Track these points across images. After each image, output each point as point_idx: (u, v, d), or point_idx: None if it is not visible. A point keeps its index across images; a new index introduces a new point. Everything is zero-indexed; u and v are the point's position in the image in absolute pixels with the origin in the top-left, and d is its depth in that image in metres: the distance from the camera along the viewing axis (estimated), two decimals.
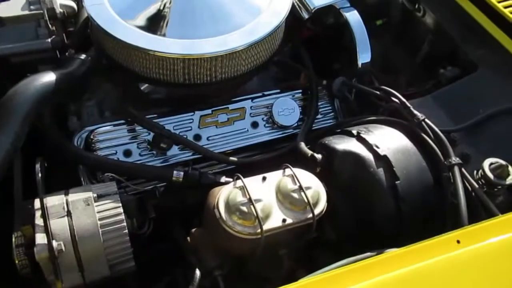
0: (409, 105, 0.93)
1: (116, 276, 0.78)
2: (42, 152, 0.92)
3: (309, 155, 0.89)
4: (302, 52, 1.14)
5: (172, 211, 0.91)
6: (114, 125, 0.98)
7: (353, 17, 1.09)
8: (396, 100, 0.97)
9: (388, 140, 0.88)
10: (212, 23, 1.00)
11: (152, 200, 0.87)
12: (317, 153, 0.90)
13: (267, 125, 1.08)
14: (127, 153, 0.96)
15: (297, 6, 1.11)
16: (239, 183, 0.78)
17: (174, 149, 1.00)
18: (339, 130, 0.95)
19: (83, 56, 1.00)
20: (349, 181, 0.84)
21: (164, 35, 0.96)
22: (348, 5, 1.10)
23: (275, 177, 0.81)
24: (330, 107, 1.15)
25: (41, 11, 1.01)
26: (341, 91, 1.09)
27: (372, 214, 0.82)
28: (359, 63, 1.08)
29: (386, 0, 1.17)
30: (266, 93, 1.10)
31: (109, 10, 0.98)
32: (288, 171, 0.82)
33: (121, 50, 0.97)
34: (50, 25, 1.02)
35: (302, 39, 1.17)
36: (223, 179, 0.91)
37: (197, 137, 1.02)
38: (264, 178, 0.80)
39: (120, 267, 0.78)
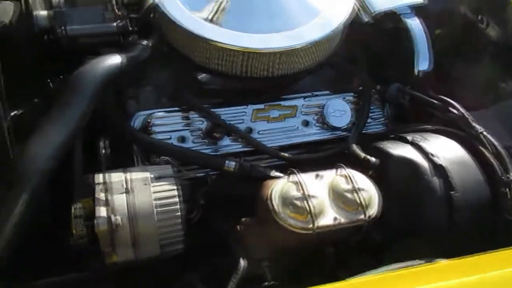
0: (468, 116, 0.91)
1: (164, 257, 0.80)
2: (100, 130, 0.96)
3: (362, 157, 0.89)
4: (358, 55, 1.14)
5: (220, 200, 0.92)
6: (170, 111, 1.01)
7: (415, 24, 1.08)
8: (454, 111, 0.95)
9: (445, 150, 0.87)
10: (272, 19, 1.01)
11: (203, 187, 0.89)
12: (370, 155, 0.90)
13: (317, 124, 1.08)
14: (181, 139, 0.98)
15: (356, 8, 1.11)
16: (293, 177, 0.79)
17: (226, 140, 1.01)
18: (392, 136, 0.94)
19: (145, 42, 1.03)
20: (402, 187, 0.84)
21: (225, 27, 0.98)
22: (409, 11, 1.10)
23: (328, 175, 0.82)
24: (380, 112, 1.14)
25: None
26: (396, 97, 1.08)
27: (423, 223, 0.81)
28: (417, 71, 1.07)
29: (448, 9, 1.15)
30: (317, 93, 1.11)
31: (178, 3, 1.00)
32: (342, 170, 0.82)
33: (183, 38, 0.99)
34: (116, 10, 1.05)
35: (359, 41, 1.17)
36: (274, 173, 0.92)
37: (249, 130, 1.04)
38: (317, 176, 0.81)
39: (170, 248, 0.80)
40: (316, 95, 1.10)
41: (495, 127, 0.93)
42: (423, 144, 0.87)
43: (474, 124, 0.90)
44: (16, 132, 0.89)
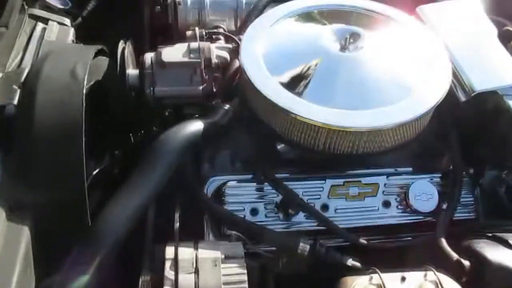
0: None
1: None
2: (173, 195, 0.96)
3: (455, 259, 0.79)
4: (450, 132, 1.05)
5: (291, 283, 0.87)
6: (245, 181, 0.98)
7: None
8: None
9: None
10: (359, 94, 0.97)
11: (274, 270, 0.84)
12: (463, 257, 0.79)
13: (400, 206, 1.00)
14: (254, 211, 0.95)
15: (454, 86, 1.04)
16: (375, 278, 0.72)
17: (300, 216, 0.96)
18: (490, 235, 0.84)
19: (227, 106, 1.03)
20: None
21: (310, 99, 0.94)
22: None
23: (416, 279, 0.73)
24: (471, 198, 1.03)
25: (199, 60, 1.06)
26: (492, 185, 0.97)
27: None
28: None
29: None
30: (401, 170, 1.03)
31: (262, 66, 0.99)
32: (431, 274, 0.73)
33: (266, 107, 0.98)
34: (204, 74, 1.07)
35: (452, 119, 1.08)
36: (350, 262, 0.85)
37: (325, 206, 0.98)
38: (403, 279, 0.73)
39: None
40: (400, 174, 1.03)
41: None
42: None
43: None
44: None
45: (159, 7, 1.30)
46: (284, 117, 0.95)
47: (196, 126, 0.95)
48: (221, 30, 1.23)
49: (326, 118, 0.91)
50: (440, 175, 1.03)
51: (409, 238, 0.96)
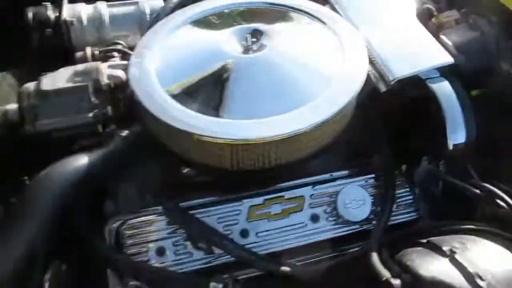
0: None
1: None
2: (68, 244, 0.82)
3: (384, 279, 0.68)
4: (376, 130, 0.95)
5: None
6: (151, 214, 0.85)
7: (442, 89, 0.88)
8: (504, 205, 0.73)
9: (495, 266, 0.64)
10: (267, 99, 0.85)
11: None
12: (396, 275, 0.68)
13: (330, 218, 0.89)
14: (161, 251, 0.82)
15: (373, 76, 0.93)
16: None
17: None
18: (425, 241, 0.73)
19: (125, 132, 0.90)
20: None
21: (210, 113, 0.82)
22: (438, 74, 0.90)
23: None
24: (410, 197, 0.93)
25: (86, 83, 0.93)
26: (426, 183, 0.87)
27: None
28: (450, 145, 0.86)
29: (487, 67, 0.94)
30: (330, 177, 0.91)
31: (153, 81, 0.87)
32: None
33: (161, 127, 0.85)
34: (94, 98, 0.93)
35: (378, 113, 0.98)
36: None
37: (245, 232, 0.85)
38: None
39: None
40: (327, 181, 0.91)
41: None
42: (464, 257, 0.65)
43: None
44: None
45: (50, 29, 1.16)
46: (181, 137, 0.82)
47: (83, 159, 0.82)
48: (118, 47, 1.10)
49: (226, 132, 0.78)
50: (373, 176, 0.93)
51: (338, 256, 0.84)
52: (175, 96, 0.84)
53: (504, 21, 0.95)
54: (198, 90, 0.86)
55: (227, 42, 0.90)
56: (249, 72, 0.86)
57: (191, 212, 0.85)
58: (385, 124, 0.96)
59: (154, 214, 0.85)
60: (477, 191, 0.78)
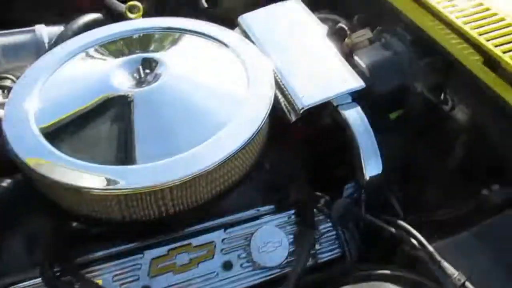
0: (438, 258, 0.62)
1: None
2: None
3: None
4: (292, 162, 0.88)
5: None
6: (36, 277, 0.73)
7: (354, 116, 0.82)
8: (418, 245, 0.67)
9: None
10: (159, 138, 0.75)
11: None
12: None
13: (245, 265, 0.80)
14: None
15: (284, 106, 0.86)
16: None
17: None
18: None
19: (6, 182, 0.79)
20: None
21: (92, 156, 0.72)
22: (349, 100, 0.84)
23: None
24: (333, 233, 0.85)
25: None
26: (344, 219, 0.80)
27: None
28: (366, 176, 0.80)
29: (399, 88, 0.90)
30: (243, 217, 0.82)
31: (29, 125, 0.75)
32: None
33: (40, 178, 0.73)
34: None
35: (292, 143, 0.91)
36: None
37: None
38: None
39: None
40: (240, 222, 0.82)
41: (481, 264, 0.64)
42: None
43: (449, 269, 0.61)
44: None
45: None
46: (63, 189, 0.71)
47: None
48: (6, 82, 0.98)
49: (108, 181, 0.68)
50: (290, 213, 0.85)
51: None
52: (52, 139, 0.73)
53: (417, 39, 0.91)
54: (78, 131, 0.76)
55: (116, 75, 0.80)
56: (140, 107, 0.77)
57: (83, 271, 0.74)
58: (302, 154, 0.89)
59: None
60: (393, 229, 0.71)
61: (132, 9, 1.17)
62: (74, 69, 0.86)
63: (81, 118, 0.76)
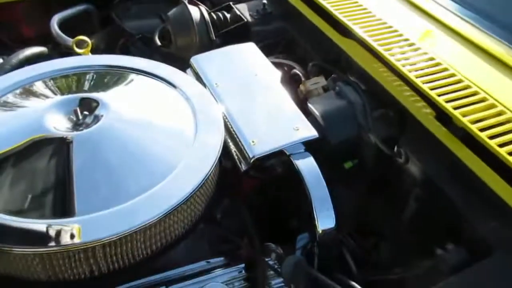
0: None
1: None
2: None
3: None
4: (242, 214, 0.82)
5: None
6: None
7: (307, 166, 0.78)
8: None
9: None
10: (96, 188, 0.68)
11: None
12: None
13: None
14: None
15: (234, 154, 0.82)
16: None
17: None
18: None
19: None
20: None
21: (23, 213, 0.64)
22: (302, 149, 0.80)
23: None
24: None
25: None
26: (295, 278, 0.75)
27: None
28: (319, 229, 0.76)
29: (353, 138, 0.88)
30: (192, 269, 0.75)
31: None
32: None
33: None
34: None
35: (244, 192, 0.86)
36: None
37: None
38: None
39: None
40: (186, 277, 0.75)
41: None
42: None
43: None
44: None
45: None
46: None
47: None
48: None
49: (26, 239, 0.60)
50: (239, 267, 0.79)
51: None
52: None
53: (370, 90, 0.91)
54: (10, 184, 0.67)
55: (50, 117, 0.73)
56: (76, 152, 0.70)
57: None
58: (254, 204, 0.84)
59: None
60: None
61: (80, 44, 1.11)
62: (7, 107, 0.77)
63: (4, 161, 0.68)
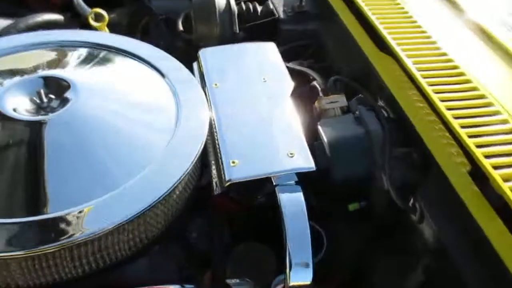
0: None
1: None
2: None
3: None
4: (213, 238, 0.70)
5: None
6: None
7: (292, 204, 0.63)
8: None
9: None
10: (61, 184, 0.59)
11: None
12: None
13: None
14: None
15: (212, 170, 0.70)
16: None
17: None
18: None
19: None
20: None
21: None
22: (293, 181, 0.66)
23: None
24: None
25: None
26: None
27: None
28: (289, 283, 0.62)
29: (365, 178, 0.71)
30: None
31: None
32: None
33: None
34: None
35: (222, 214, 0.74)
36: None
37: None
38: None
39: None
40: None
41: None
42: None
43: None
44: None
45: None
46: None
47: None
48: None
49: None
50: None
51: None
52: None
53: (397, 122, 0.74)
54: None
55: (7, 101, 0.65)
56: (36, 140, 0.61)
57: None
58: (225, 231, 0.72)
59: None
60: None
61: (97, 17, 1.03)
62: None
63: None
